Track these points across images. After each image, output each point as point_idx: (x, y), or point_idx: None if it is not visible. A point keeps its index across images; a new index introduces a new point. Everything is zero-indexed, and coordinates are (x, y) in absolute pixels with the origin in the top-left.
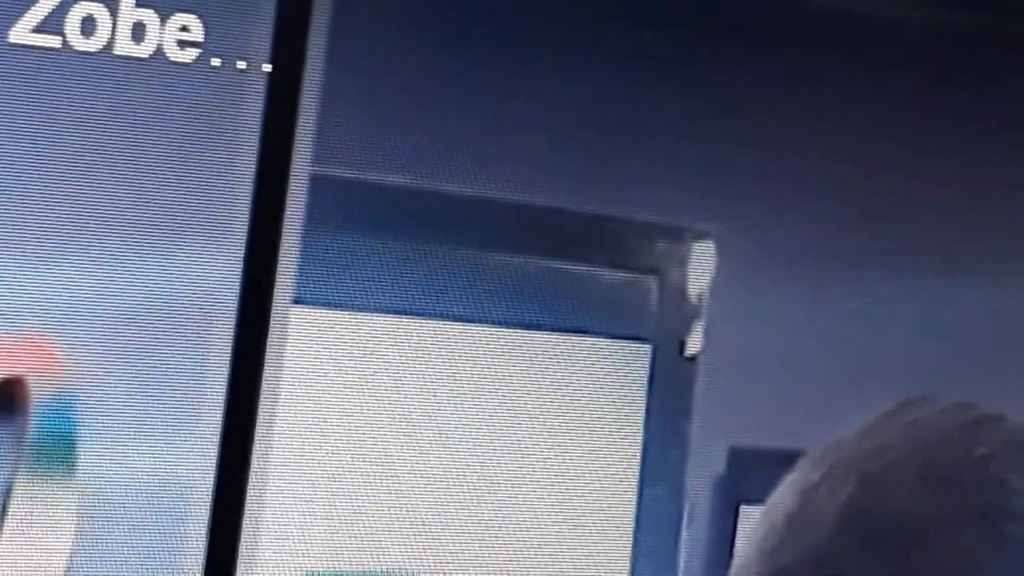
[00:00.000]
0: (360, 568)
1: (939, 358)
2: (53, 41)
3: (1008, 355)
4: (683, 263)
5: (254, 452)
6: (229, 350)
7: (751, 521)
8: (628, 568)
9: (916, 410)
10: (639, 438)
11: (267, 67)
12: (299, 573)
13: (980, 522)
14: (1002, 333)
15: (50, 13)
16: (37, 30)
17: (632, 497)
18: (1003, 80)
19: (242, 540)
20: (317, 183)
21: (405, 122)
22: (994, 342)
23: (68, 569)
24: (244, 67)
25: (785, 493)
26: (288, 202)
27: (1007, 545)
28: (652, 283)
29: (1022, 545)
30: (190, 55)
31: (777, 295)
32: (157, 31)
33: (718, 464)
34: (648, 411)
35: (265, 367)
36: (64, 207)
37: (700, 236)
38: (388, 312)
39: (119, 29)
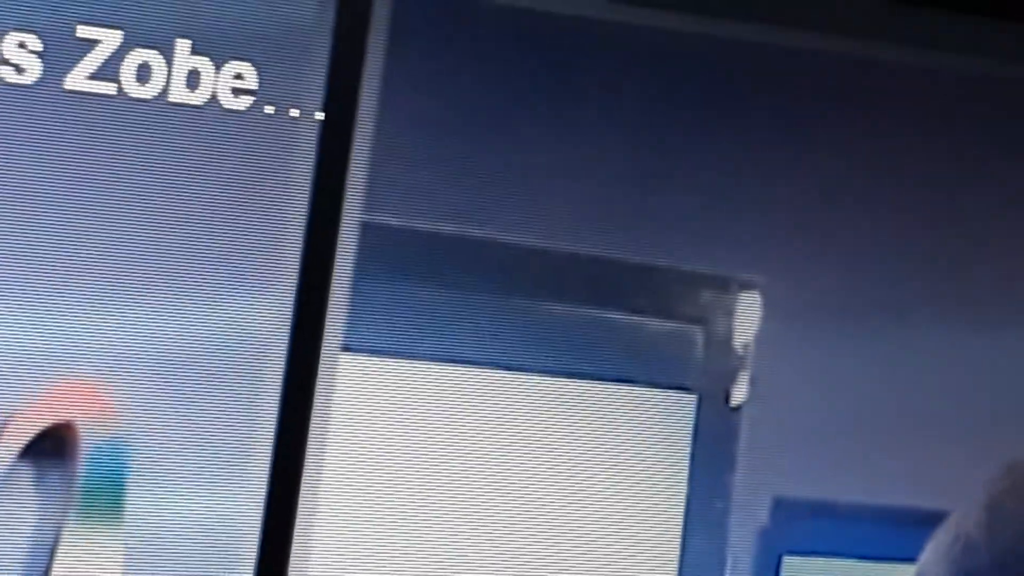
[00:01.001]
0: None
1: (990, 409)
2: (109, 88)
3: None
4: (729, 313)
5: (302, 500)
6: (278, 398)
7: (937, 531)
8: None
9: None
10: (683, 488)
11: (320, 115)
12: None
13: None
14: None
15: (106, 60)
16: (93, 77)
17: (676, 546)
18: None
19: None
20: (368, 231)
21: (456, 171)
22: None
23: None
24: (297, 115)
25: (973, 505)
26: (339, 249)
27: None
28: (698, 333)
29: None
30: (244, 103)
31: (823, 346)
32: (212, 79)
33: (762, 514)
34: (692, 461)
35: (314, 414)
36: (117, 251)
37: (746, 286)
38: (436, 360)
39: (174, 76)
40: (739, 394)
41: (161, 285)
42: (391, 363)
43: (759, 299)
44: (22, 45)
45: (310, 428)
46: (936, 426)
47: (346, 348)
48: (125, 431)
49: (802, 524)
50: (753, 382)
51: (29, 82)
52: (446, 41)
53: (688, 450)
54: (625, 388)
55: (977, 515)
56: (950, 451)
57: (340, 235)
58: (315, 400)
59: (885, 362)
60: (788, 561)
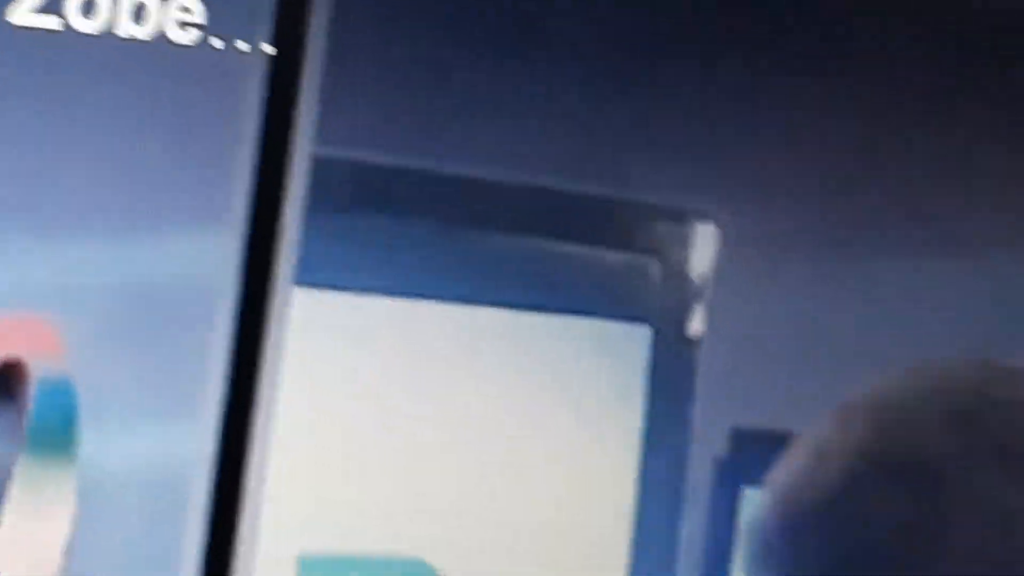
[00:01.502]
0: (359, 550)
1: (945, 340)
2: (54, 22)
3: (1015, 337)
4: (685, 245)
5: (254, 434)
6: (229, 331)
7: (764, 487)
8: (628, 549)
9: (938, 362)
10: (639, 420)
11: (269, 48)
12: (294, 555)
13: (1004, 463)
14: (1010, 315)
15: None
16: (38, 11)
17: (632, 479)
18: (1007, 62)
19: (241, 521)
20: (318, 164)
21: (407, 103)
22: (1002, 324)
23: (67, 551)
24: (245, 49)
25: (798, 448)
26: (289, 183)
27: None
28: (653, 265)
29: None
30: (191, 36)
31: (779, 277)
32: (159, 12)
33: (720, 446)
34: (649, 393)
35: (265, 349)
36: (65, 188)
37: (702, 217)
38: (388, 294)
39: (121, 10)
40: (695, 326)
41: (110, 220)
42: (343, 297)
43: (715, 230)
44: None
45: (262, 362)
46: (893, 357)
47: (298, 283)
48: (77, 366)
49: (761, 454)
50: (709, 314)
51: None
52: None
53: (644, 383)
54: (580, 321)
55: (799, 460)
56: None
57: (290, 169)
58: (267, 334)
59: (842, 292)
60: (748, 493)
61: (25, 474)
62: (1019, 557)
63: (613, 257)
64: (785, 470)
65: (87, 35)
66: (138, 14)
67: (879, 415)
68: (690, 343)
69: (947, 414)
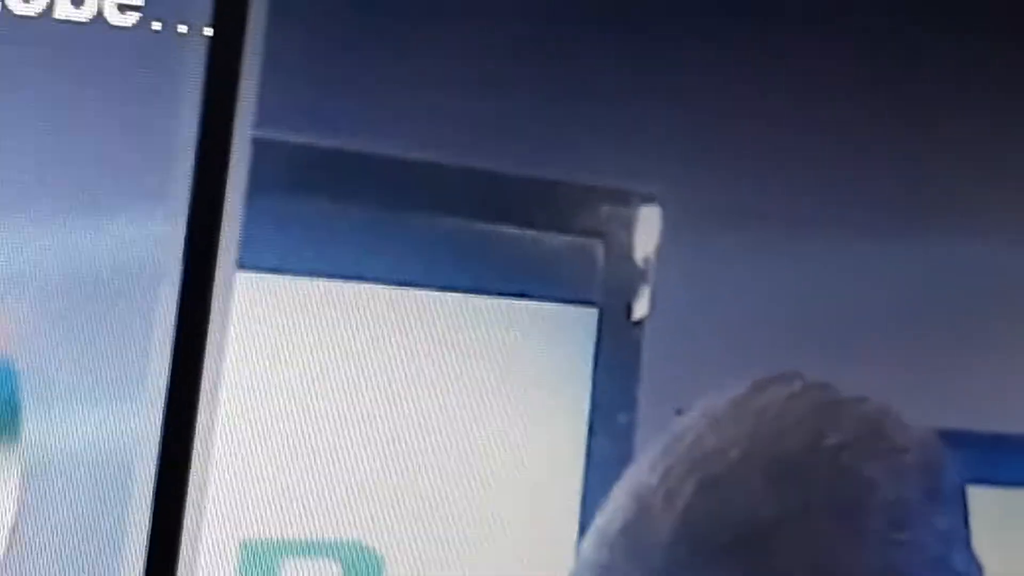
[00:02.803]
0: (305, 537)
1: (885, 321)
2: None
3: (950, 312)
4: (629, 226)
5: (198, 419)
6: (173, 315)
7: (590, 530)
8: (576, 530)
9: (766, 394)
10: (586, 402)
11: (208, 31)
12: (237, 539)
13: (836, 518)
14: (952, 298)
15: None
16: None
17: (580, 461)
18: (953, 41)
19: (186, 503)
20: (259, 147)
21: (347, 86)
22: (939, 299)
23: (12, 535)
24: (185, 31)
25: (620, 499)
26: (231, 166)
27: (868, 539)
28: (598, 247)
29: (883, 538)
30: (130, 19)
31: (723, 258)
32: None
33: (666, 426)
34: (595, 375)
35: (209, 332)
36: (5, 172)
37: (646, 199)
38: (332, 277)
39: None
40: (641, 307)
41: (52, 204)
42: (286, 280)
43: (659, 212)
44: None
45: (206, 345)
46: (837, 336)
47: (241, 265)
48: (20, 350)
49: None
50: (655, 295)
51: None
52: None
53: (591, 364)
54: (526, 303)
55: (622, 518)
56: (847, 360)
57: (232, 152)
58: (210, 317)
59: (785, 273)
60: None
61: None
62: None
63: (558, 239)
64: (610, 524)
65: (24, 17)
66: None
67: (705, 473)
68: (635, 324)
69: (775, 470)
